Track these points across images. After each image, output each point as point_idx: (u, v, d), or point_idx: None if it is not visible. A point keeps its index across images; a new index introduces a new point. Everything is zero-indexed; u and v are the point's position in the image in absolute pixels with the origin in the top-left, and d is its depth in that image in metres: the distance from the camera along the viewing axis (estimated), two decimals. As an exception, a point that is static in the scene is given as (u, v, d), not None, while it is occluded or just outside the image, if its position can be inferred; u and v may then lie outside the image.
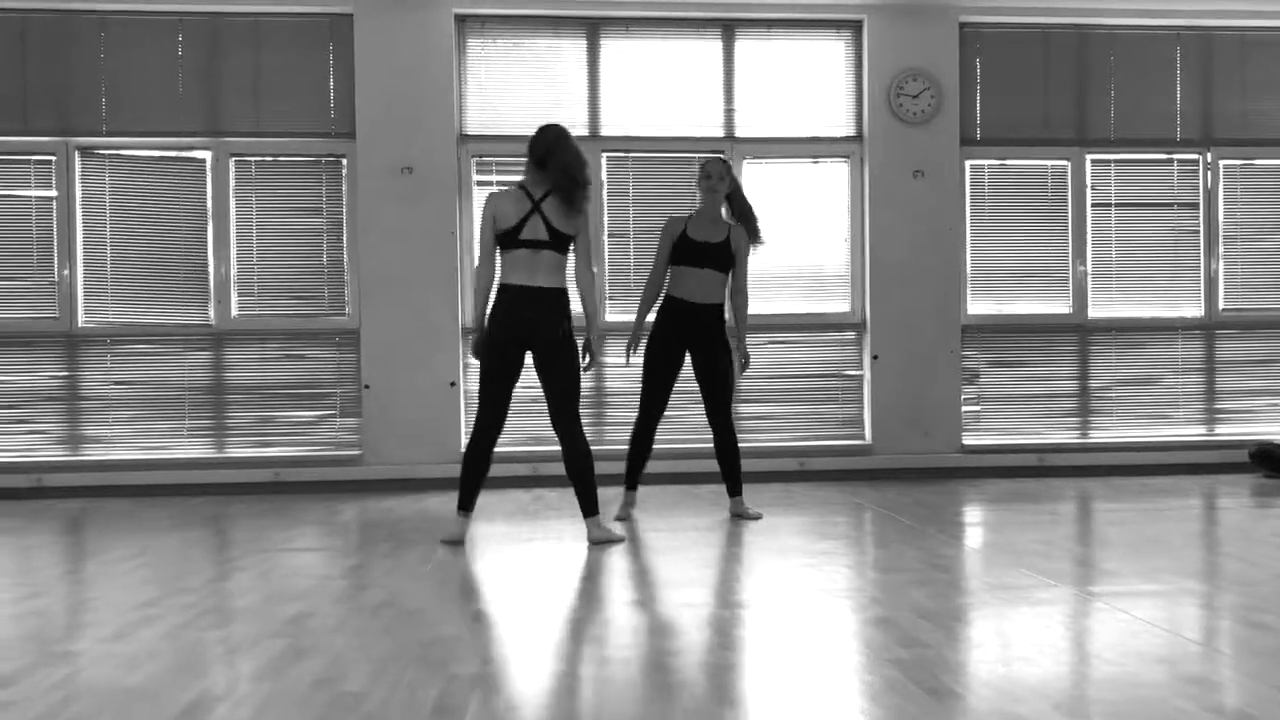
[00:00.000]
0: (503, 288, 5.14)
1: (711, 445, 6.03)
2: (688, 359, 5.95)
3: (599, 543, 5.21)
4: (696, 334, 5.87)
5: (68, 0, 7.21)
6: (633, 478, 6.08)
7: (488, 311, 5.16)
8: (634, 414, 6.06)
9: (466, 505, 5.29)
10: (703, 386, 5.94)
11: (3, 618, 3.96)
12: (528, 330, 5.11)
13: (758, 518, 5.93)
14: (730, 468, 6.00)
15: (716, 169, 5.92)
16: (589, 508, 5.25)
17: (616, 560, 4.91)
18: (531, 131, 5.26)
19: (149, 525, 6.00)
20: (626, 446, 6.07)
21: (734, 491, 6.03)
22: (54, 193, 7.28)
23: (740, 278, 5.97)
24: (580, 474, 5.19)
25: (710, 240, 5.87)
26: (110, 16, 7.29)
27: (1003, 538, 5.55)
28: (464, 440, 7.34)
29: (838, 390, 7.68)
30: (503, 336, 5.11)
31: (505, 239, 5.11)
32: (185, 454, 7.32)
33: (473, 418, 5.32)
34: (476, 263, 5.29)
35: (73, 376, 7.30)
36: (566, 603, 4.15)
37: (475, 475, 5.26)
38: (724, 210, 5.98)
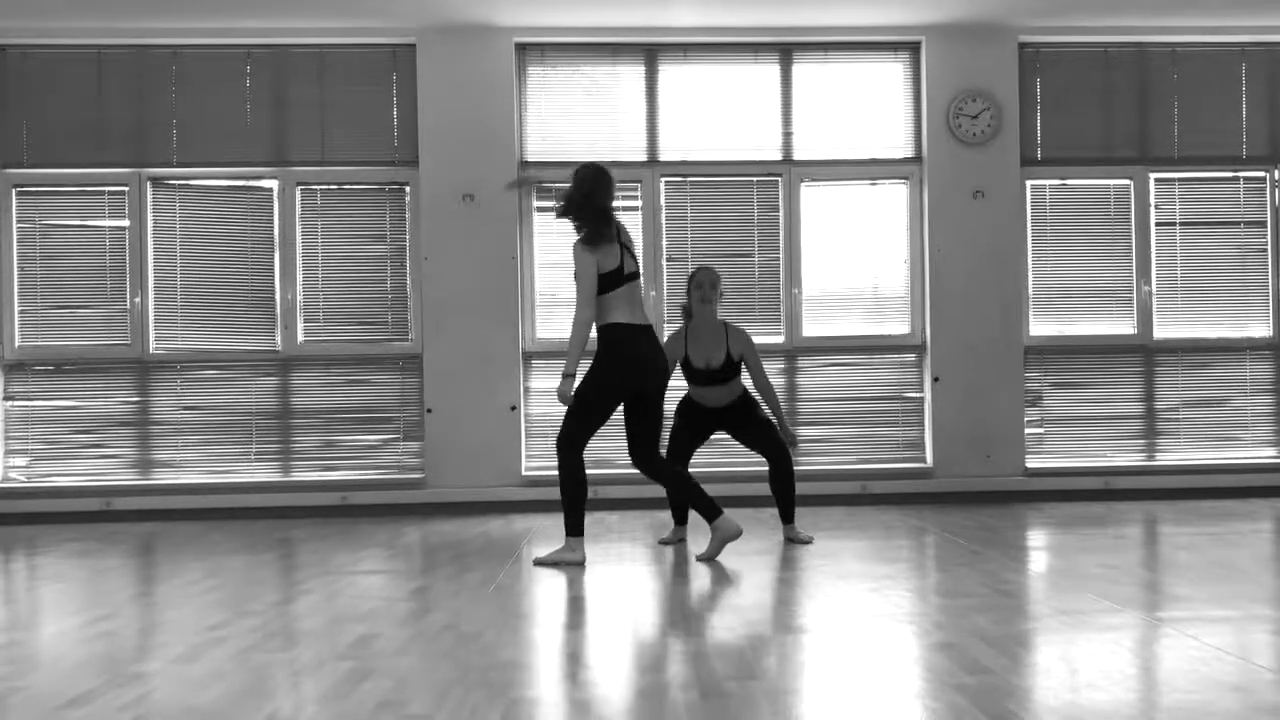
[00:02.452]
0: (615, 326, 5.21)
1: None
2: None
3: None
4: (725, 414, 5.92)
5: (141, 35, 7.40)
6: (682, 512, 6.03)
7: (606, 352, 5.23)
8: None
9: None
10: (756, 449, 5.96)
11: (75, 639, 4.05)
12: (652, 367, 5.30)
13: (809, 541, 5.90)
14: (784, 496, 5.94)
15: (709, 277, 5.84)
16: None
17: (676, 585, 4.91)
18: (590, 157, 5.34)
19: (217, 548, 6.10)
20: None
21: (788, 519, 5.99)
22: (126, 222, 7.46)
23: (759, 377, 5.93)
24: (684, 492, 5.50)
25: (712, 365, 5.81)
26: (181, 50, 7.47)
27: (1068, 562, 5.48)
28: (525, 464, 7.40)
29: (899, 413, 7.64)
30: (635, 374, 5.23)
31: (609, 281, 5.21)
32: (252, 478, 7.44)
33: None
34: (578, 311, 5.21)
35: (144, 401, 7.45)
36: (626, 627, 4.16)
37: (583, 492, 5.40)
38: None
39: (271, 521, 7.07)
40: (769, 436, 5.88)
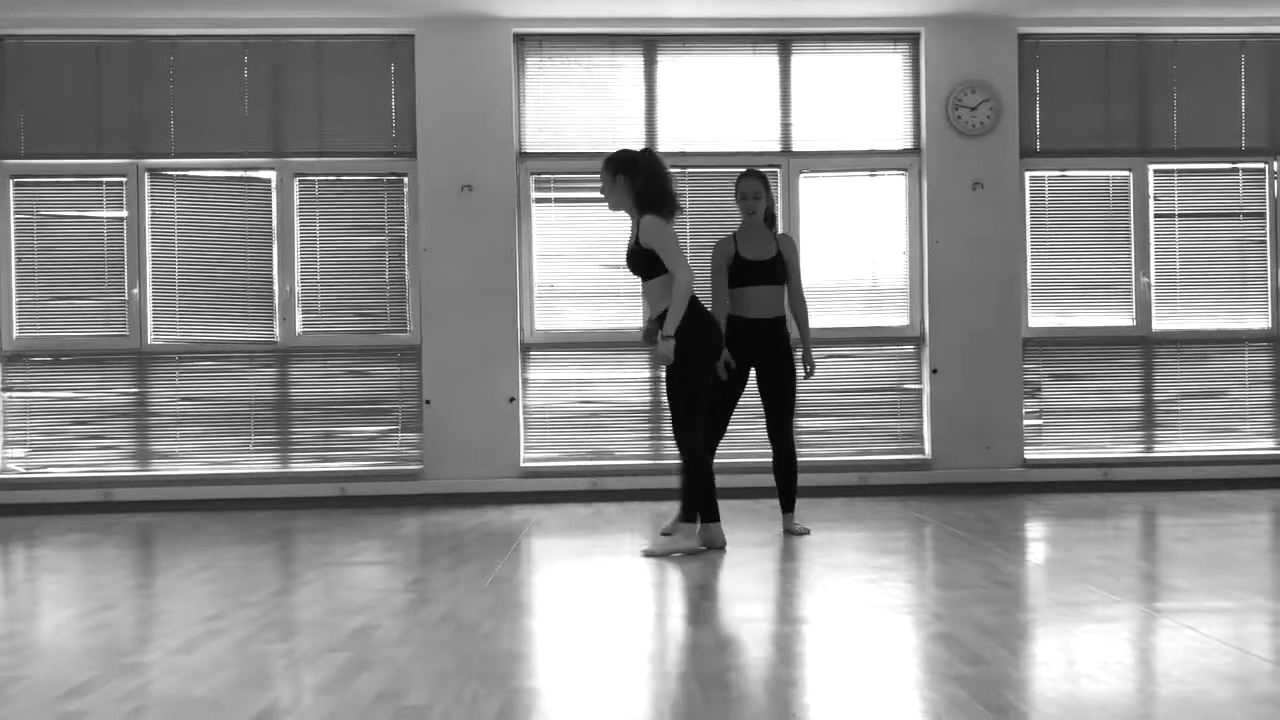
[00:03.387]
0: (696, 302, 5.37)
1: (769, 461, 6.01)
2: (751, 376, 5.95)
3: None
4: (763, 350, 5.86)
5: (139, 26, 7.38)
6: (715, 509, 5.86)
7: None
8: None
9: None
10: (767, 400, 5.92)
11: (74, 630, 4.05)
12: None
13: (806, 533, 5.90)
14: (787, 484, 5.97)
15: (751, 187, 5.90)
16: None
17: (675, 575, 4.92)
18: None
19: (215, 539, 6.10)
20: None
21: (788, 508, 6.00)
22: (124, 213, 7.44)
23: (797, 287, 6.02)
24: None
25: (763, 257, 5.87)
26: (179, 40, 7.46)
27: (1066, 553, 5.49)
28: (523, 456, 7.40)
29: (897, 404, 7.64)
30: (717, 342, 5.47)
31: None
32: (251, 469, 7.44)
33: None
34: (680, 274, 5.23)
35: (142, 392, 7.44)
36: (626, 618, 4.16)
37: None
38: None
39: (270, 512, 7.07)
40: (787, 388, 5.89)
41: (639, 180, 5.32)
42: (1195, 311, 7.74)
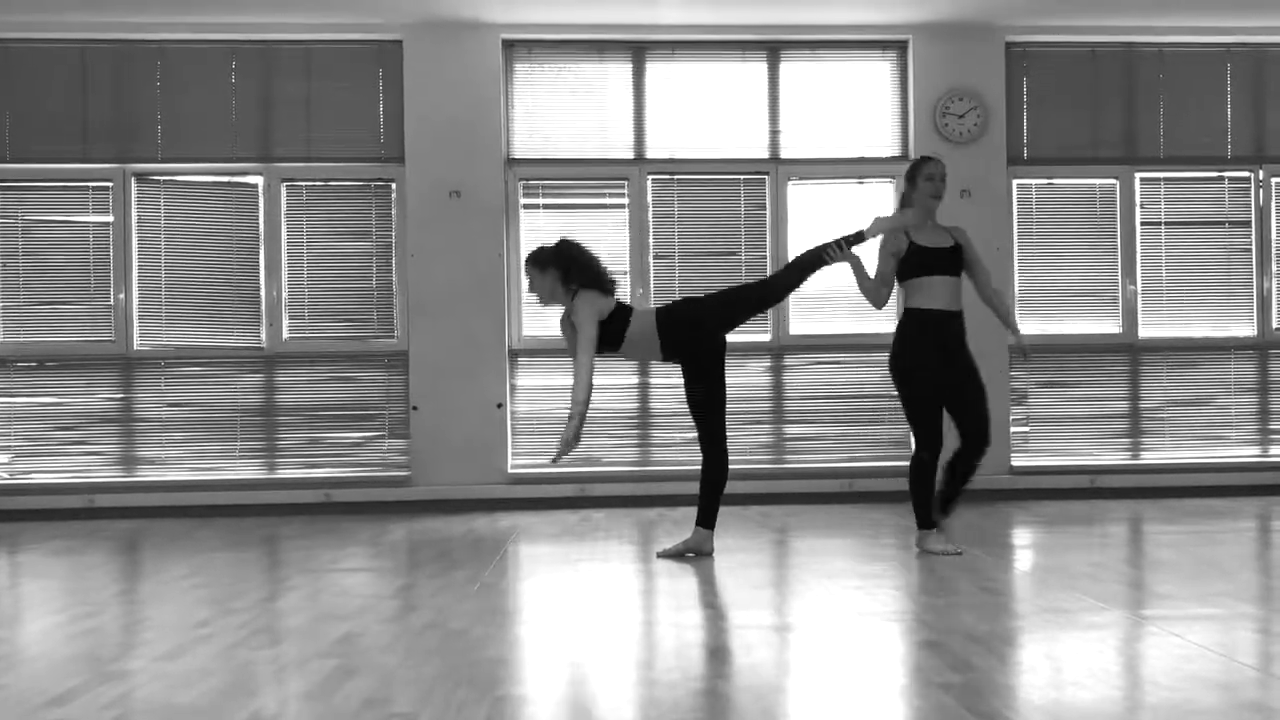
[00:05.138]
0: None
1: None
2: None
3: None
4: (952, 345, 5.42)
5: (126, 30, 7.36)
6: (928, 511, 5.52)
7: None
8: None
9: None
10: (962, 399, 5.44)
11: (58, 637, 4.03)
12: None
13: (958, 554, 5.34)
14: (960, 483, 5.49)
15: (940, 169, 5.50)
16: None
17: (664, 582, 4.91)
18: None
19: (201, 545, 6.07)
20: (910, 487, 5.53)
21: (943, 513, 5.51)
22: (110, 218, 7.41)
23: (985, 272, 5.64)
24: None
25: (943, 245, 5.45)
26: (167, 45, 7.43)
27: (1053, 560, 5.49)
28: (511, 462, 7.38)
29: (885, 411, 7.64)
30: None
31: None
32: (237, 475, 7.41)
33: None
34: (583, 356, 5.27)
35: (127, 398, 7.41)
36: (613, 624, 4.15)
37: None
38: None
39: (256, 519, 7.04)
40: (981, 401, 5.45)
41: (574, 272, 5.34)
42: (1181, 319, 7.77)
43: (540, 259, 5.39)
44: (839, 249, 5.42)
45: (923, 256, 5.40)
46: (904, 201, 5.60)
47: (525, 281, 5.54)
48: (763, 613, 4.32)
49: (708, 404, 5.44)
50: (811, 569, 5.25)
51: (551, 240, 5.49)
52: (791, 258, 5.46)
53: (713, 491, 5.47)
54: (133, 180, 7.43)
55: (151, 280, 7.45)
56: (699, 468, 5.55)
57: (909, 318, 5.44)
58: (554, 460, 5.35)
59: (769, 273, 7.55)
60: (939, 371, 5.40)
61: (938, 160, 5.61)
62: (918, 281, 5.42)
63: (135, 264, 7.42)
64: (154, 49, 7.44)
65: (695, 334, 5.40)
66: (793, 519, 6.66)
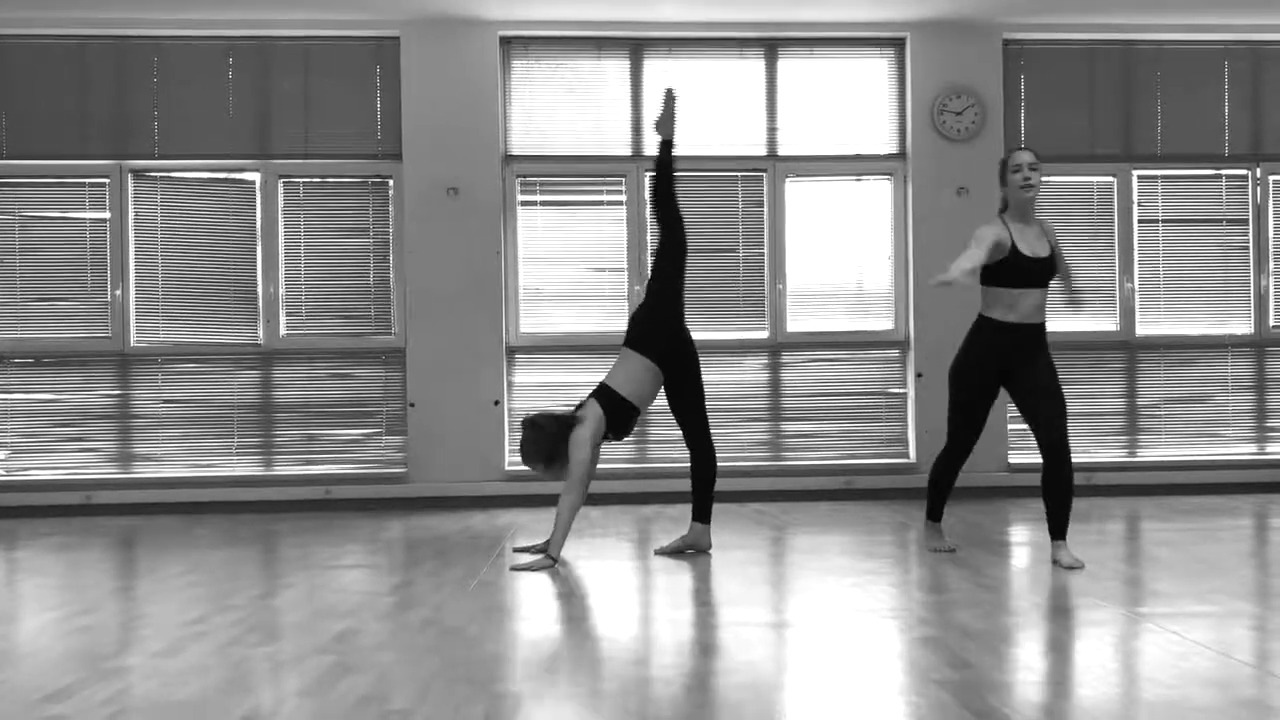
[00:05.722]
0: None
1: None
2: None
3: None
4: (1022, 355, 5.06)
5: (123, 26, 7.35)
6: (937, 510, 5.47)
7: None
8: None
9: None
10: (1031, 403, 5.06)
11: (55, 633, 4.02)
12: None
13: (1080, 567, 4.92)
14: (1062, 499, 5.02)
15: (1026, 158, 5.05)
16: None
17: (661, 579, 4.91)
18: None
19: (198, 542, 6.07)
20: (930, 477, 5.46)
21: (1058, 534, 5.04)
22: (107, 214, 7.40)
23: (1068, 269, 5.27)
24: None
25: (1040, 254, 5.02)
26: (164, 42, 7.42)
27: (1050, 557, 5.49)
28: (508, 459, 7.38)
29: (882, 408, 7.64)
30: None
31: None
32: (234, 472, 7.40)
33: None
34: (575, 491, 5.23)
35: (124, 395, 7.40)
36: (610, 621, 4.15)
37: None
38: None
39: (253, 516, 7.04)
40: (1054, 389, 5.02)
41: (552, 444, 5.26)
42: (1179, 317, 7.77)
43: (541, 453, 5.26)
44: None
45: (1020, 266, 4.98)
46: (1002, 205, 5.21)
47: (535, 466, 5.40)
48: (760, 610, 4.33)
49: (691, 403, 5.46)
50: (809, 566, 5.25)
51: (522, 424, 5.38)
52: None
53: (704, 487, 5.47)
54: (129, 177, 7.42)
55: (148, 277, 7.43)
56: (689, 463, 5.56)
57: (985, 327, 5.11)
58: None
59: (766, 271, 7.57)
60: (992, 385, 5.14)
61: (1022, 148, 5.30)
62: (1001, 291, 5.04)
63: (132, 260, 7.41)
64: (151, 45, 7.43)
65: (662, 332, 5.42)
66: (790, 516, 6.66)
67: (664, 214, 5.58)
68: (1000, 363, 5.09)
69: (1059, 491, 5.00)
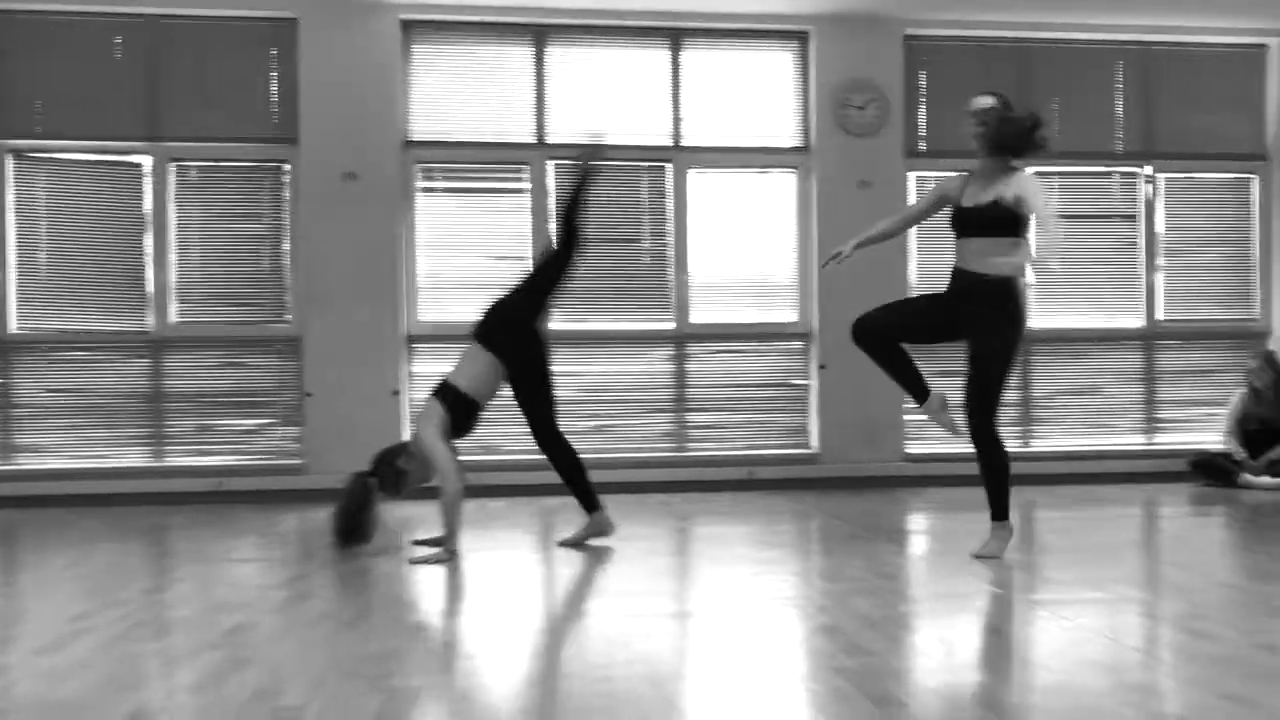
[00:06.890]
0: None
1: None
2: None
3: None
4: (971, 308, 5.01)
5: (4, 0, 7.06)
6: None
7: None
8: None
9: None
10: (967, 374, 5.10)
11: (-71, 631, 3.85)
12: None
13: (995, 558, 4.88)
14: (986, 485, 5.04)
15: (975, 105, 5.05)
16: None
17: (563, 570, 4.88)
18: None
19: (84, 535, 5.86)
20: None
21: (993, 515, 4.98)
22: (-13, 196, 7.12)
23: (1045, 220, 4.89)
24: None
25: (978, 203, 4.92)
26: (47, 17, 7.15)
27: (947, 546, 5.58)
28: (408, 449, 7.25)
29: (785, 399, 7.69)
30: None
31: None
32: (123, 463, 7.17)
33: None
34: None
35: (5, 384, 7.13)
36: (510, 614, 4.11)
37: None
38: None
39: (144, 508, 6.83)
40: (981, 368, 5.03)
41: (394, 473, 5.37)
42: (1071, 310, 7.95)
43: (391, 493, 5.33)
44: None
45: (954, 213, 5.03)
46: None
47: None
48: (662, 600, 4.31)
49: (537, 403, 5.43)
50: (711, 555, 5.26)
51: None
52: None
53: (575, 480, 5.43)
54: (9, 158, 7.13)
55: (30, 261, 7.16)
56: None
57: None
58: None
59: (671, 262, 7.56)
60: (940, 309, 5.12)
61: (974, 98, 5.16)
62: (957, 241, 5.03)
63: (12, 244, 7.13)
64: (34, 20, 7.15)
65: (513, 332, 5.38)
66: (693, 506, 6.67)
67: (568, 230, 5.49)
68: (952, 300, 5.06)
69: (980, 472, 5.04)
